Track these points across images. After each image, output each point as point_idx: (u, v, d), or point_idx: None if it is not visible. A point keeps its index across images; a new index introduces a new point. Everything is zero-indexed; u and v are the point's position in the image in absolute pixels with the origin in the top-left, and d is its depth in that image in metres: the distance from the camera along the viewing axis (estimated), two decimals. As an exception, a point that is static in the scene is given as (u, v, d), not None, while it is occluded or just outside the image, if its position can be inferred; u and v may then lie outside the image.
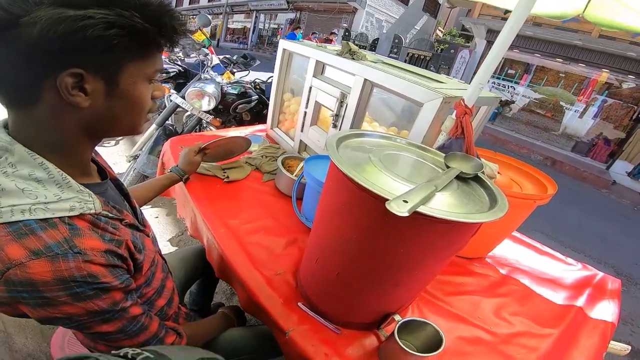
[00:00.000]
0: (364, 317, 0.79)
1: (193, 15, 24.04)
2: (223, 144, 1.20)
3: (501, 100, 9.06)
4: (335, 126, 1.20)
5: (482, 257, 1.20)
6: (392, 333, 0.69)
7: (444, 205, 0.61)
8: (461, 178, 0.74)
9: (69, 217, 0.45)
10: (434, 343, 0.70)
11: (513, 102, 9.29)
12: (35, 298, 0.42)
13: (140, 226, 0.61)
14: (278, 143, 1.61)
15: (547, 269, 1.23)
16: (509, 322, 0.93)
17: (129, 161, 2.29)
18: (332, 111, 1.20)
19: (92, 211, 0.48)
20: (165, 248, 1.92)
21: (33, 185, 0.44)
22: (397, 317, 0.75)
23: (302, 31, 9.46)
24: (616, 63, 7.53)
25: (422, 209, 0.53)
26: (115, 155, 3.00)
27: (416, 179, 0.66)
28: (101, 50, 0.42)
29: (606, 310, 1.05)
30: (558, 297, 1.09)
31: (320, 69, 1.31)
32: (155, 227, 2.10)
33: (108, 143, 3.18)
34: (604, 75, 8.13)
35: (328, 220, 0.75)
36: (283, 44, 1.50)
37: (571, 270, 1.25)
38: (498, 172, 1.14)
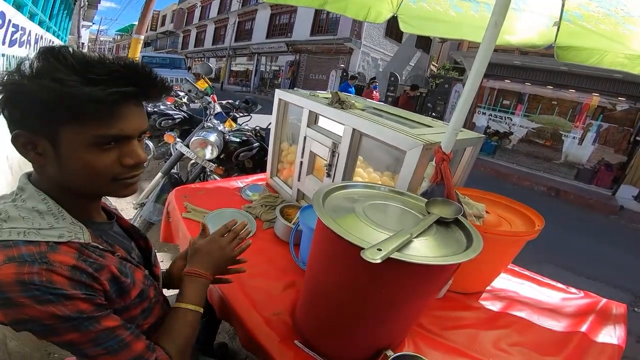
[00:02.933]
0: (357, 353, 0.82)
1: (198, 57, 25.48)
2: None
3: (499, 133, 9.20)
4: (329, 175, 1.27)
5: (480, 292, 1.22)
6: None
7: (420, 250, 0.67)
8: (442, 222, 0.80)
9: (55, 242, 0.52)
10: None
11: (512, 133, 9.30)
12: (2, 299, 0.47)
13: (134, 262, 0.66)
14: (277, 192, 1.68)
15: (548, 299, 1.23)
16: (508, 353, 0.94)
17: (136, 208, 2.37)
18: (326, 161, 1.28)
19: (81, 240, 0.55)
20: (168, 293, 1.95)
21: (33, 215, 0.54)
22: (388, 353, 0.79)
23: (356, 82, 7.94)
24: (604, 86, 7.59)
25: (395, 255, 0.59)
26: (123, 202, 3.07)
27: (396, 227, 0.72)
28: (33, 115, 0.51)
29: (611, 335, 1.05)
30: (560, 326, 1.09)
31: (313, 118, 1.39)
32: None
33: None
34: (595, 100, 8.20)
35: (318, 266, 0.82)
36: (279, 93, 1.58)
37: (573, 299, 1.25)
38: (486, 212, 1.18)
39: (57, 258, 0.50)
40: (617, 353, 0.97)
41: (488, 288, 1.23)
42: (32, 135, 0.52)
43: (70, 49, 0.53)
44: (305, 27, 15.34)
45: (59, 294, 0.49)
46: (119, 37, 44.07)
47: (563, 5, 1.38)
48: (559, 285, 1.33)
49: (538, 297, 1.23)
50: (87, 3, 8.75)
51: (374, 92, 7.45)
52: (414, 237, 0.69)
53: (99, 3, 9.15)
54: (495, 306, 1.15)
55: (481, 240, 0.73)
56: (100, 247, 0.58)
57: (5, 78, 0.50)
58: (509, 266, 1.37)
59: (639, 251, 4.50)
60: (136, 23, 8.01)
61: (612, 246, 4.43)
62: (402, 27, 1.90)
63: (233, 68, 22.05)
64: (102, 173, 0.56)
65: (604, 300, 1.23)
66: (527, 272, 1.39)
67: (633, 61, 1.44)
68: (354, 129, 1.16)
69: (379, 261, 0.56)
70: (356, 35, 13.33)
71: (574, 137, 8.60)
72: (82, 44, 11.38)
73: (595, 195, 6.83)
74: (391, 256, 0.59)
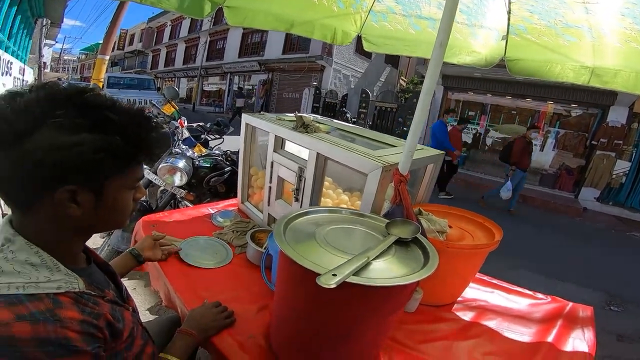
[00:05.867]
0: None
1: (169, 77, 25.17)
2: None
3: (467, 144, 9.56)
4: (297, 200, 1.29)
5: (451, 303, 1.25)
6: None
7: (378, 271, 0.70)
8: (402, 242, 0.84)
9: (54, 294, 0.53)
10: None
11: (479, 143, 9.64)
12: (14, 353, 0.47)
13: (120, 302, 0.69)
14: (249, 217, 1.67)
15: (516, 306, 1.27)
16: None
17: (103, 237, 2.30)
18: (293, 185, 1.30)
19: (76, 290, 0.56)
20: (144, 317, 1.97)
21: (27, 269, 0.53)
22: None
23: (453, 117, 6.64)
24: (557, 94, 8.03)
25: (351, 279, 0.62)
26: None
27: (356, 251, 0.75)
28: (90, 170, 0.53)
29: (581, 339, 1.09)
30: (530, 332, 1.12)
31: (279, 143, 1.42)
32: (134, 298, 2.11)
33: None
34: (551, 107, 8.68)
35: (284, 290, 0.84)
36: (246, 118, 1.59)
37: (541, 304, 1.30)
38: (449, 226, 1.24)
39: (66, 314, 0.52)
40: (588, 359, 1.00)
41: (459, 299, 1.27)
42: (82, 189, 0.54)
43: (102, 94, 0.58)
44: (278, 46, 15.55)
45: (72, 350, 0.51)
46: (83, 56, 43.04)
47: (509, 18, 1.47)
48: (527, 291, 1.37)
49: (507, 304, 1.27)
50: (49, 22, 8.51)
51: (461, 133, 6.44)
52: (372, 260, 0.72)
53: (62, 22, 8.90)
54: (466, 316, 1.18)
55: (437, 257, 0.77)
56: (93, 293, 0.60)
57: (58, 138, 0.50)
58: (478, 275, 1.41)
59: (606, 250, 4.74)
60: (102, 42, 7.87)
61: (580, 247, 4.65)
62: (366, 46, 1.98)
63: (205, 88, 21.83)
64: (130, 209, 0.63)
65: (570, 304, 1.28)
66: (495, 281, 1.44)
67: (576, 72, 1.52)
68: (318, 153, 1.19)
69: (333, 286, 0.58)
70: (327, 53, 13.65)
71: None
72: (44, 63, 11.05)
73: (560, 199, 7.21)
74: (347, 280, 0.61)
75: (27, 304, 0.50)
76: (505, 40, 1.58)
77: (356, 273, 0.65)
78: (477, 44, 1.74)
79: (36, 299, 0.51)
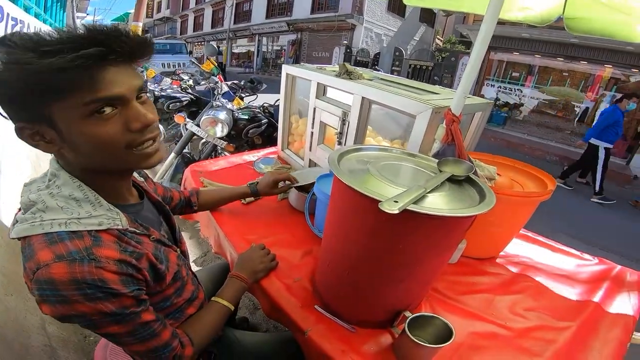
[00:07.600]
0: (376, 315, 0.85)
1: (198, 41, 25.28)
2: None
3: (509, 104, 9.16)
4: (340, 143, 1.29)
5: (493, 258, 1.22)
6: (404, 329, 0.74)
7: (434, 204, 0.68)
8: (454, 181, 0.81)
9: (96, 230, 0.53)
10: (445, 336, 0.74)
11: (522, 104, 9.35)
12: (55, 296, 0.48)
13: (168, 242, 0.68)
14: (289, 163, 1.70)
15: (562, 265, 1.22)
16: (524, 317, 0.94)
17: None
18: (336, 129, 1.29)
19: (119, 227, 0.56)
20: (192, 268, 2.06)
21: (70, 204, 0.53)
22: (407, 314, 0.81)
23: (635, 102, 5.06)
24: (617, 58, 7.54)
25: (411, 207, 0.60)
26: (139, 183, 3.21)
27: (409, 184, 0.73)
28: (19, 104, 0.48)
29: (626, 304, 1.05)
30: (574, 292, 1.08)
31: (321, 90, 1.40)
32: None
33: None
34: (608, 71, 8.12)
35: (335, 227, 0.83)
36: (286, 68, 1.60)
37: (587, 265, 1.25)
38: (498, 174, 1.18)
39: (102, 253, 0.51)
40: (632, 323, 0.97)
41: (502, 253, 1.24)
42: (33, 125, 0.50)
43: (20, 32, 0.47)
44: (305, 5, 15.06)
45: (109, 292, 0.50)
46: (115, 26, 43.97)
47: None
48: (573, 251, 1.32)
49: (552, 262, 1.23)
50: (78, -6, 8.50)
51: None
52: (428, 192, 0.69)
53: (91, -7, 8.84)
54: (509, 272, 1.16)
55: (494, 195, 0.74)
56: (137, 231, 0.59)
57: None
58: (522, 232, 1.37)
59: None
60: (131, 11, 7.85)
61: (626, 217, 4.38)
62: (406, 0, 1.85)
63: (234, 50, 21.82)
64: (112, 143, 0.52)
65: (619, 267, 1.23)
66: (540, 238, 1.39)
67: None
68: (363, 98, 1.17)
69: (396, 211, 0.56)
70: (358, 11, 13.09)
71: (586, 108, 8.55)
72: (80, 35, 11.25)
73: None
74: (408, 208, 0.59)
75: (67, 242, 0.50)
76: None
77: (415, 203, 0.63)
78: (531, 1, 1.61)
79: (77, 236, 0.51)
